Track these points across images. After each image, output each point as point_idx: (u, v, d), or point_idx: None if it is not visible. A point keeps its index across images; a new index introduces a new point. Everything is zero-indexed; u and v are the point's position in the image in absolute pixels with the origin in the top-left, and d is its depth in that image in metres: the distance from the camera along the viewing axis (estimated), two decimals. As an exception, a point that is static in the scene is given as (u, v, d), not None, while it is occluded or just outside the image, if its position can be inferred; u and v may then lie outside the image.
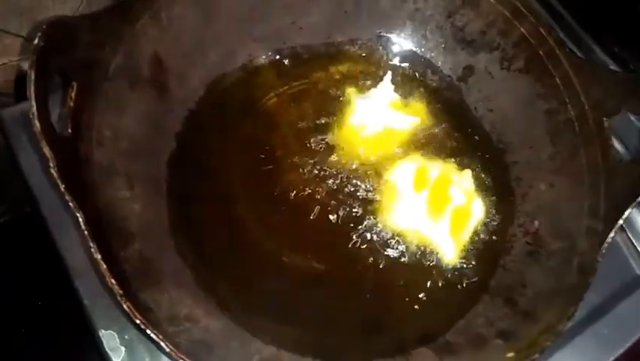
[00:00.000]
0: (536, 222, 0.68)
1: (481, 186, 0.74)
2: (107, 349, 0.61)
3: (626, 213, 0.57)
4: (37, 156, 0.68)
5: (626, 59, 0.88)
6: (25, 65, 0.52)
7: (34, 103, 0.47)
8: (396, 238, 0.69)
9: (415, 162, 0.74)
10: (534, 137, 0.72)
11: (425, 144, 0.76)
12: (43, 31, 0.49)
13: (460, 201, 0.71)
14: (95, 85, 0.58)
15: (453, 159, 0.75)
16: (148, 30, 0.64)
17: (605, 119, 0.65)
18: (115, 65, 0.60)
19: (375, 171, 0.73)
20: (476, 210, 0.71)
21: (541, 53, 0.71)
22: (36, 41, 0.48)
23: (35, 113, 0.47)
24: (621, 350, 0.67)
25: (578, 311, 0.55)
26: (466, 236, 0.70)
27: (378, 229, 0.70)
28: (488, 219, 0.72)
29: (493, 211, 0.72)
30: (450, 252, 0.69)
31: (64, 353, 0.79)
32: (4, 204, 0.90)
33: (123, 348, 0.61)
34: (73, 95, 0.53)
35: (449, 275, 0.68)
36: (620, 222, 0.57)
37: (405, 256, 0.68)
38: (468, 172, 0.73)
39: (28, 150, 0.70)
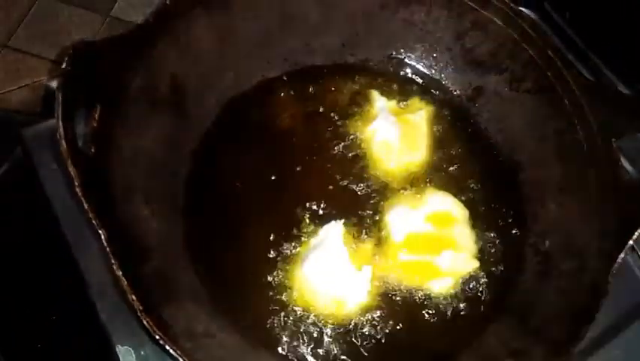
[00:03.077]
0: (547, 242, 0.69)
1: (493, 207, 0.74)
2: (123, 364, 0.62)
3: (637, 233, 0.58)
4: (58, 173, 0.70)
5: (634, 80, 0.89)
6: (52, 85, 0.54)
7: (60, 124, 0.49)
8: (406, 256, 0.70)
9: (439, 198, 0.74)
10: (543, 157, 0.73)
11: (437, 165, 0.77)
12: (70, 55, 0.51)
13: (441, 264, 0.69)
14: (117, 106, 0.60)
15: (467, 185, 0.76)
16: (167, 53, 0.67)
17: (613, 139, 0.66)
18: (135, 87, 0.63)
19: (390, 192, 0.74)
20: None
21: (549, 74, 0.72)
22: (64, 65, 0.50)
23: (62, 133, 0.49)
24: (633, 372, 0.67)
25: (591, 332, 0.56)
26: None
27: (387, 246, 0.70)
28: (500, 239, 0.72)
29: (506, 231, 0.73)
30: (460, 275, 0.69)
31: (80, 368, 0.79)
32: (23, 221, 0.92)
33: (139, 363, 0.62)
34: (97, 116, 0.55)
35: (461, 297, 0.68)
36: (631, 242, 0.58)
37: (416, 280, 0.69)
38: (475, 263, 0.70)
39: (49, 168, 0.72)
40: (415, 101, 0.82)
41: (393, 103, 0.81)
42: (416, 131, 0.79)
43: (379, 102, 0.80)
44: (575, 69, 0.71)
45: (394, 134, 0.77)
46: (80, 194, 0.49)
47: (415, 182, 0.76)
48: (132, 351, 0.62)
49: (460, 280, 0.69)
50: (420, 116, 0.80)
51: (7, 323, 0.84)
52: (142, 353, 0.62)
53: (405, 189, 0.75)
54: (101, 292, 0.64)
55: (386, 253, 0.70)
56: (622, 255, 0.57)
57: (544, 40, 0.73)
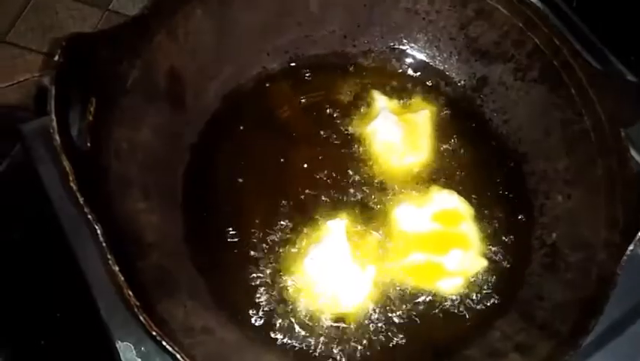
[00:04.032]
0: (554, 235, 0.67)
1: (499, 200, 0.73)
2: (124, 361, 0.61)
3: (646, 224, 0.57)
4: (56, 169, 0.70)
5: (642, 68, 0.87)
6: (45, 81, 0.54)
7: (54, 118, 0.48)
8: (412, 256, 0.68)
9: (444, 195, 0.72)
10: (550, 147, 0.72)
11: (441, 158, 0.76)
12: (62, 48, 0.50)
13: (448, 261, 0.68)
14: (113, 99, 0.59)
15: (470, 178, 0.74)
16: (165, 45, 0.66)
17: (621, 129, 0.64)
18: (132, 80, 0.62)
19: (395, 190, 0.73)
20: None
21: (555, 63, 0.71)
22: (56, 57, 0.50)
23: (55, 127, 0.48)
24: (641, 367, 0.66)
25: (598, 326, 0.54)
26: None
27: (391, 244, 0.69)
28: (506, 232, 0.71)
29: (512, 224, 0.71)
30: (463, 265, 0.68)
31: (81, 365, 0.79)
32: (23, 217, 0.92)
33: (140, 360, 0.61)
34: (92, 109, 0.54)
35: (465, 290, 0.67)
36: (640, 233, 0.56)
37: (423, 279, 0.67)
38: (484, 262, 0.68)
39: (47, 164, 0.71)
40: (418, 100, 0.80)
41: (394, 102, 0.79)
42: (418, 131, 0.77)
43: (380, 101, 0.78)
44: (582, 57, 0.69)
45: (396, 134, 0.75)
46: (74, 188, 0.48)
47: (420, 178, 0.74)
48: (132, 347, 0.61)
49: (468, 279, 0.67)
50: (423, 115, 0.78)
51: (11, 320, 0.84)
52: (142, 349, 0.61)
53: (410, 186, 0.73)
54: (101, 288, 0.63)
55: (391, 251, 0.68)
56: (631, 247, 0.56)
57: (549, 28, 0.72)
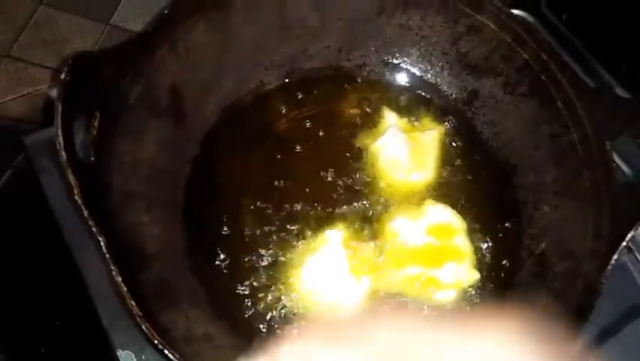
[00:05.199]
0: (542, 245, 0.69)
1: (488, 211, 0.75)
2: (124, 369, 0.62)
3: (630, 234, 0.58)
4: (59, 180, 0.71)
5: (632, 83, 0.89)
6: (53, 94, 0.55)
7: (60, 133, 0.50)
8: (407, 269, 0.70)
9: (439, 209, 0.73)
10: (539, 160, 0.74)
11: (433, 170, 0.78)
12: (69, 66, 0.52)
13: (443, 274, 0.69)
14: (116, 115, 0.61)
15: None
16: (166, 61, 0.67)
17: (607, 142, 0.66)
18: (135, 96, 0.63)
19: (391, 204, 0.74)
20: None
21: (543, 77, 0.72)
22: (63, 75, 0.51)
23: (62, 143, 0.50)
24: (628, 374, 0.67)
25: (586, 334, 0.56)
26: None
27: (387, 256, 0.71)
28: (495, 242, 0.72)
29: (500, 234, 0.73)
30: (457, 278, 0.69)
31: (82, 373, 0.80)
32: (26, 226, 0.93)
33: (140, 368, 0.62)
34: (96, 124, 0.56)
35: (457, 299, 0.68)
36: (624, 243, 0.58)
37: (416, 291, 0.69)
38: (476, 275, 0.70)
39: (50, 175, 0.73)
40: (427, 120, 0.82)
41: (404, 120, 0.81)
42: (424, 150, 0.78)
43: (389, 118, 0.80)
44: (570, 72, 0.71)
45: (403, 152, 0.77)
46: (79, 202, 0.50)
47: (415, 193, 0.76)
48: (133, 356, 0.63)
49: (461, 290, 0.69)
50: (430, 135, 0.80)
51: (11, 327, 0.85)
52: (143, 357, 0.63)
53: (405, 199, 0.75)
54: (102, 297, 0.64)
55: (387, 263, 0.70)
56: (615, 256, 0.57)
57: (538, 43, 0.73)
